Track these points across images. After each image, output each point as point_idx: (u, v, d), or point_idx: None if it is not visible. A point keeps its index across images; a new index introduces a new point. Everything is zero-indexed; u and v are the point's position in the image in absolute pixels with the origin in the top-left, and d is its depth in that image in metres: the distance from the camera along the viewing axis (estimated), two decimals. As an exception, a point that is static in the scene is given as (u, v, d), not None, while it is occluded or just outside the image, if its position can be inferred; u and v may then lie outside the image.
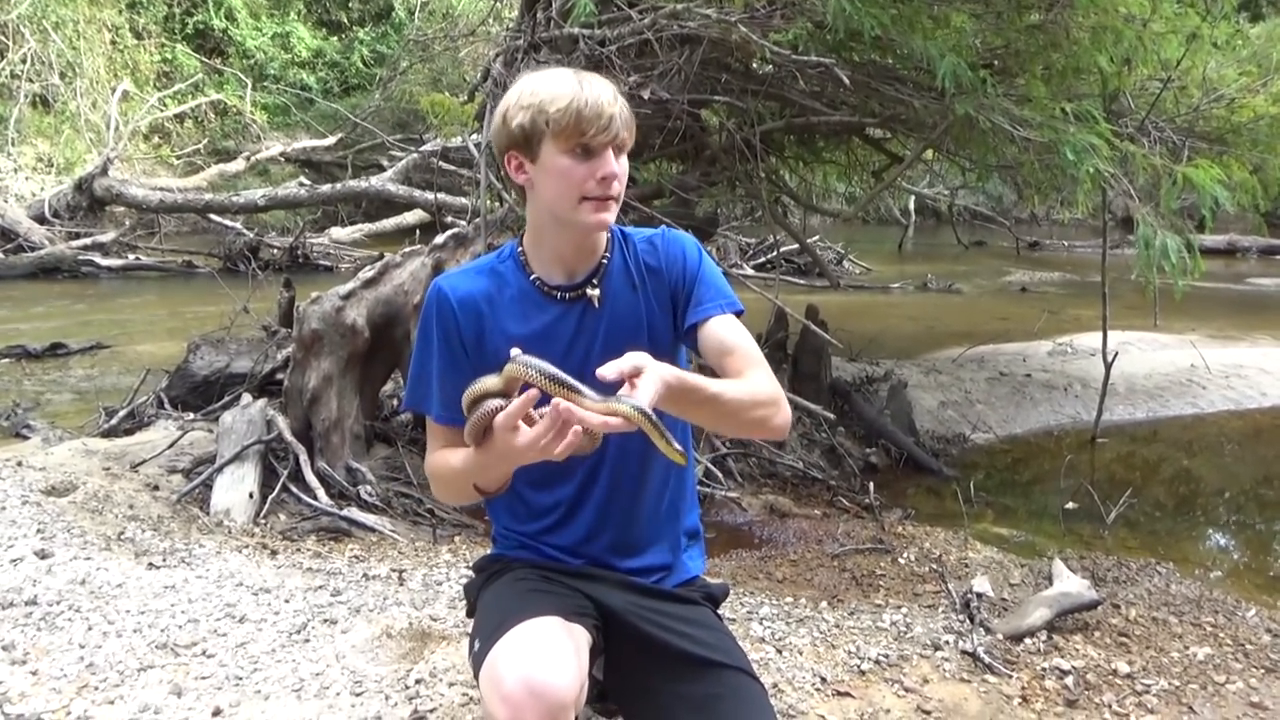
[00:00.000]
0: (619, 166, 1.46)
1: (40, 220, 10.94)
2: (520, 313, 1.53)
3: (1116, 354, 5.40)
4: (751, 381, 1.47)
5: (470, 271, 1.61)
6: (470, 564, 1.86)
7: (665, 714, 1.50)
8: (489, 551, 1.73)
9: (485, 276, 1.57)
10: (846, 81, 3.96)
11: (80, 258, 10.09)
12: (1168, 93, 4.71)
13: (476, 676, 1.43)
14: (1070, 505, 4.37)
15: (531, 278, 1.54)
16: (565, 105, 1.42)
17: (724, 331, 1.53)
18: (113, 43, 15.15)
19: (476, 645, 1.46)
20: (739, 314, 1.57)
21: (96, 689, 2.19)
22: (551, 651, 1.35)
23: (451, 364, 1.52)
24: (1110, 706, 2.36)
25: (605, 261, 1.56)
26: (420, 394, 1.57)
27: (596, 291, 1.54)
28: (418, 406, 1.58)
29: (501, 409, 1.31)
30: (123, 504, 3.41)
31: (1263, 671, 2.59)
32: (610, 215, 1.49)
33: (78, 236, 10.71)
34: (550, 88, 1.45)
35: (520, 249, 1.57)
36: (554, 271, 1.54)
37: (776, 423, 1.49)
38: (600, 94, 1.44)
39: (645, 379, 1.28)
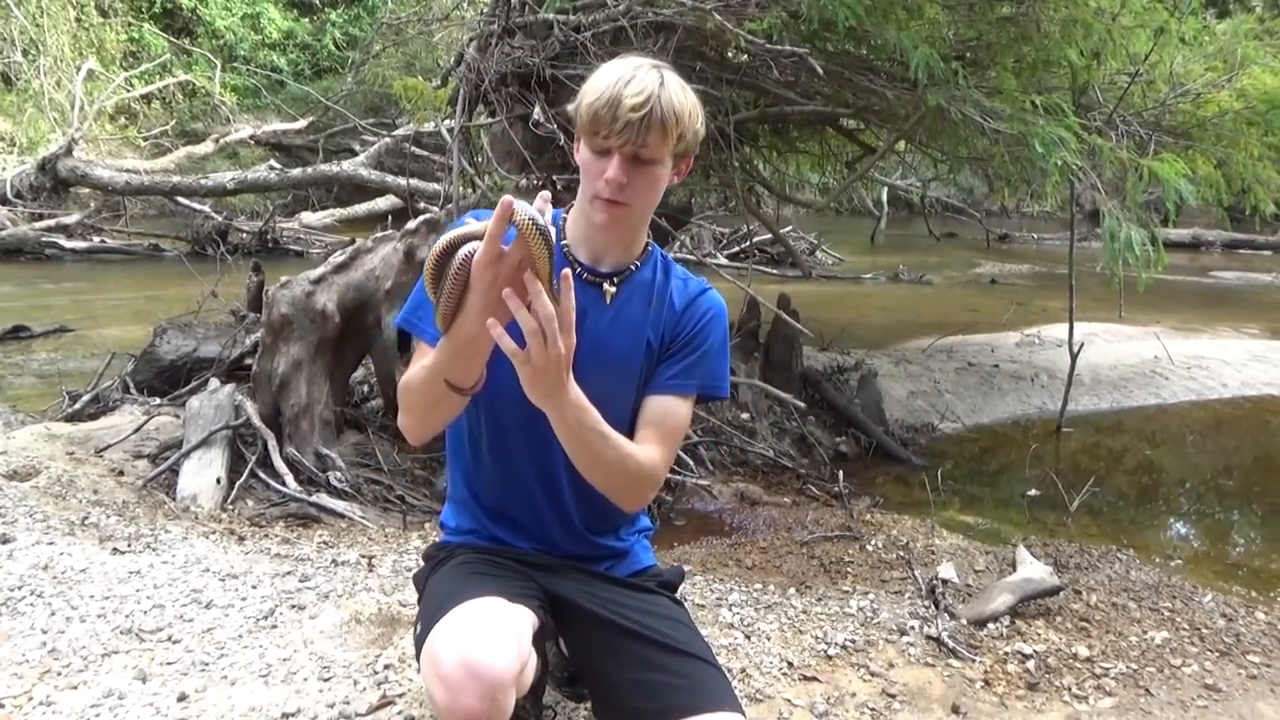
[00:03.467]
0: (628, 173, 1.43)
1: (2, 201, 10.71)
2: None
3: (1082, 345, 5.49)
4: (641, 450, 1.49)
5: None
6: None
7: (625, 700, 1.51)
8: (438, 540, 1.75)
9: None
10: (820, 71, 3.97)
11: (43, 239, 9.90)
12: (1135, 87, 4.76)
13: (419, 658, 1.44)
14: (1033, 493, 4.44)
15: (562, 244, 1.55)
16: (591, 101, 1.43)
17: (670, 408, 1.55)
18: (78, 20, 14.85)
19: (419, 628, 1.47)
20: (718, 399, 1.62)
21: (59, 674, 2.16)
22: (490, 631, 1.35)
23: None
24: (1070, 689, 2.41)
25: (634, 268, 1.59)
26: (420, 315, 1.53)
27: (612, 289, 1.57)
28: (413, 327, 1.55)
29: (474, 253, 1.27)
30: (87, 489, 3.37)
31: (1217, 655, 2.66)
32: (615, 219, 1.48)
33: (41, 218, 10.50)
34: (600, 79, 1.45)
35: (564, 218, 1.60)
36: (581, 249, 1.57)
37: (634, 499, 1.54)
38: (629, 96, 1.40)
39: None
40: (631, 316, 1.56)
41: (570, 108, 1.50)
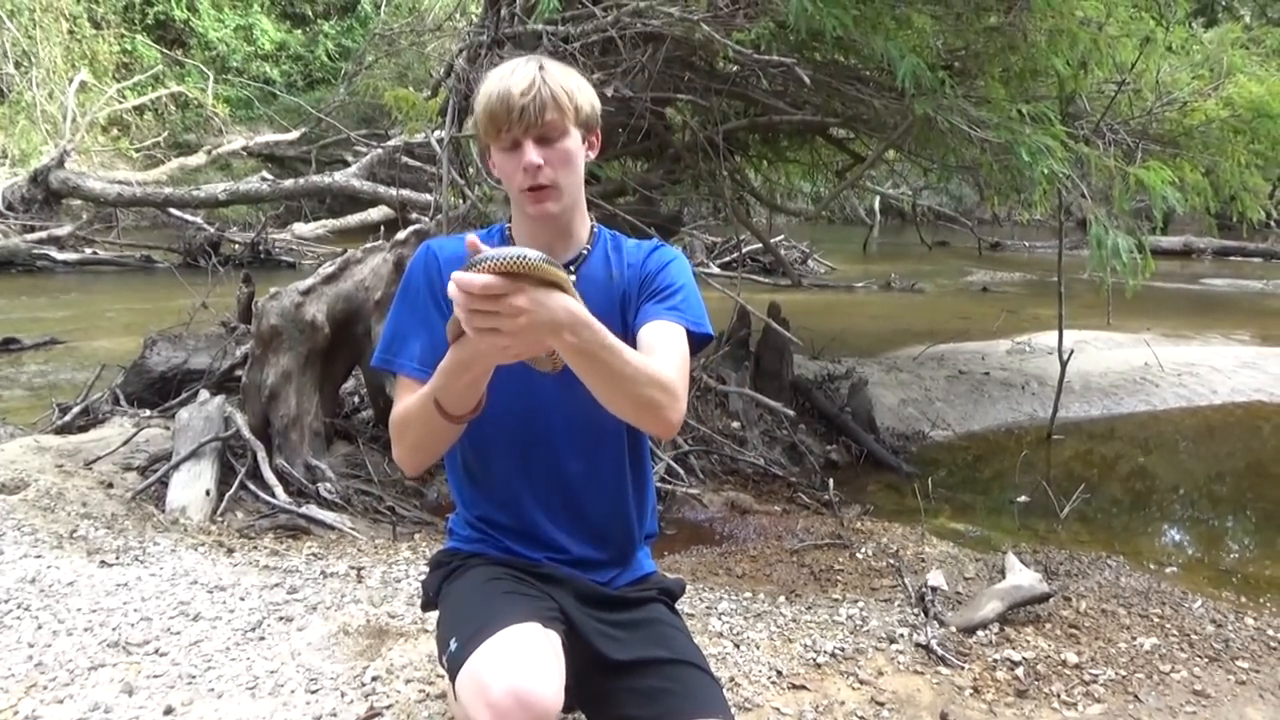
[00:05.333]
0: (539, 155, 1.47)
1: (-6, 213, 10.73)
2: None
3: (1073, 352, 5.50)
4: (658, 361, 1.43)
5: (460, 239, 1.65)
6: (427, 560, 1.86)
7: (618, 708, 1.52)
8: (444, 545, 1.74)
9: None
10: (808, 81, 3.99)
11: (35, 251, 9.92)
12: (1122, 95, 4.80)
13: (452, 676, 1.42)
14: (1023, 499, 4.45)
15: None
16: (484, 106, 1.48)
17: (664, 330, 1.52)
18: (70, 32, 14.87)
19: (453, 645, 1.45)
20: (705, 338, 1.57)
21: (46, 688, 2.15)
22: (538, 661, 1.36)
23: (433, 318, 1.53)
24: (1059, 696, 2.41)
25: (585, 253, 1.61)
26: (395, 350, 1.56)
27: (571, 278, 1.57)
28: (389, 364, 1.56)
29: None
30: (76, 502, 3.36)
31: (1206, 660, 2.66)
32: (550, 204, 1.51)
33: (33, 229, 10.50)
34: (486, 87, 1.50)
35: (508, 227, 1.63)
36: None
37: (668, 414, 1.42)
38: (513, 86, 1.45)
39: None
40: (596, 296, 1.56)
41: (472, 126, 1.55)
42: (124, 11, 15.95)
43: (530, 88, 1.45)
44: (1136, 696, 2.44)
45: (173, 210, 11.16)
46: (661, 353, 1.47)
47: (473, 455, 1.63)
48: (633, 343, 1.54)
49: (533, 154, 1.46)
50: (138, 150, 14.66)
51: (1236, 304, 10.80)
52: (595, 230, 1.64)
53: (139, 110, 15.16)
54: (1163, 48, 4.77)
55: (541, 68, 1.48)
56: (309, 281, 3.99)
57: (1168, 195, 4.05)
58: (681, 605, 2.77)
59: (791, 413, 4.64)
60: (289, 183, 11.17)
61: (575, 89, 1.50)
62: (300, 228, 11.82)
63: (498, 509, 1.64)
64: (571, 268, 1.58)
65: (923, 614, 2.83)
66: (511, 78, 1.46)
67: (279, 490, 3.61)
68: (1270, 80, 4.94)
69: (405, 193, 8.61)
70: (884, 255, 14.09)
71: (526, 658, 1.35)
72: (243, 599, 2.65)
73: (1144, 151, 4.69)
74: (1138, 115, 4.95)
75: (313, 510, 3.56)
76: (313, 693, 2.18)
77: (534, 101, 1.44)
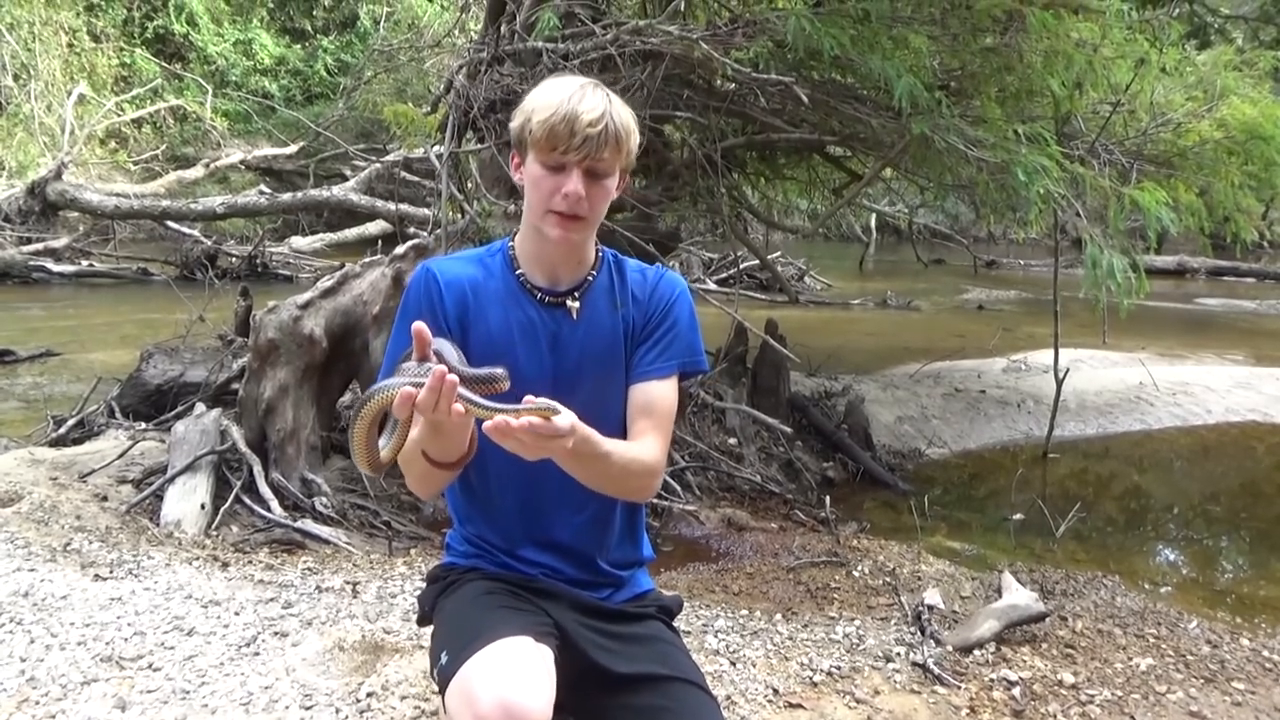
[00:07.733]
0: (584, 187, 1.45)
1: (-9, 224, 10.72)
2: (503, 306, 1.55)
3: (1068, 371, 5.52)
4: (640, 447, 1.51)
5: (458, 259, 1.63)
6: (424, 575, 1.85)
7: None
8: (442, 560, 1.74)
9: (473, 265, 1.60)
10: (805, 100, 4.01)
11: (31, 263, 9.91)
12: (1117, 116, 4.84)
13: (442, 689, 1.42)
14: (1017, 516, 4.45)
15: (517, 273, 1.57)
16: (545, 117, 1.44)
17: (655, 393, 1.57)
18: (69, 45, 14.90)
19: (444, 658, 1.44)
20: (698, 372, 1.63)
21: (37, 703, 2.14)
22: (527, 672, 1.35)
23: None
24: (1055, 716, 2.41)
25: (591, 278, 1.59)
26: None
27: (576, 304, 1.57)
28: None
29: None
30: (70, 515, 3.34)
31: (1202, 681, 2.66)
32: (575, 234, 1.50)
33: (29, 241, 10.49)
34: (546, 96, 1.47)
35: (511, 246, 1.60)
36: (537, 273, 1.57)
37: (648, 493, 1.60)
38: (584, 112, 1.43)
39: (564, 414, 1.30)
40: (602, 323, 1.58)
41: (512, 125, 1.51)
42: (123, 25, 15.99)
43: (599, 120, 1.43)
44: (1133, 717, 2.43)
45: (170, 223, 11.17)
46: (650, 427, 1.54)
47: (474, 473, 1.63)
48: (628, 381, 1.58)
49: (579, 184, 1.45)
50: (135, 163, 14.68)
51: (1230, 324, 10.85)
52: (600, 254, 1.63)
53: (137, 123, 15.19)
54: (1157, 69, 4.81)
55: (610, 100, 1.46)
56: (307, 295, 3.99)
57: (1162, 216, 4.07)
58: (678, 622, 2.76)
59: (788, 429, 4.65)
60: (287, 196, 11.20)
61: (632, 131, 1.49)
62: (298, 241, 11.83)
63: (490, 527, 1.64)
64: (576, 293, 1.58)
65: (919, 633, 2.82)
66: (581, 103, 1.43)
67: (274, 504, 3.60)
68: (1263, 102, 4.98)
69: (403, 207, 8.63)
70: (880, 272, 14.14)
71: (516, 670, 1.35)
72: (237, 614, 2.64)
73: (1139, 172, 4.72)
74: (1132, 136, 4.99)
75: (308, 525, 3.55)
76: (307, 709, 2.17)
77: (599, 135, 1.43)
